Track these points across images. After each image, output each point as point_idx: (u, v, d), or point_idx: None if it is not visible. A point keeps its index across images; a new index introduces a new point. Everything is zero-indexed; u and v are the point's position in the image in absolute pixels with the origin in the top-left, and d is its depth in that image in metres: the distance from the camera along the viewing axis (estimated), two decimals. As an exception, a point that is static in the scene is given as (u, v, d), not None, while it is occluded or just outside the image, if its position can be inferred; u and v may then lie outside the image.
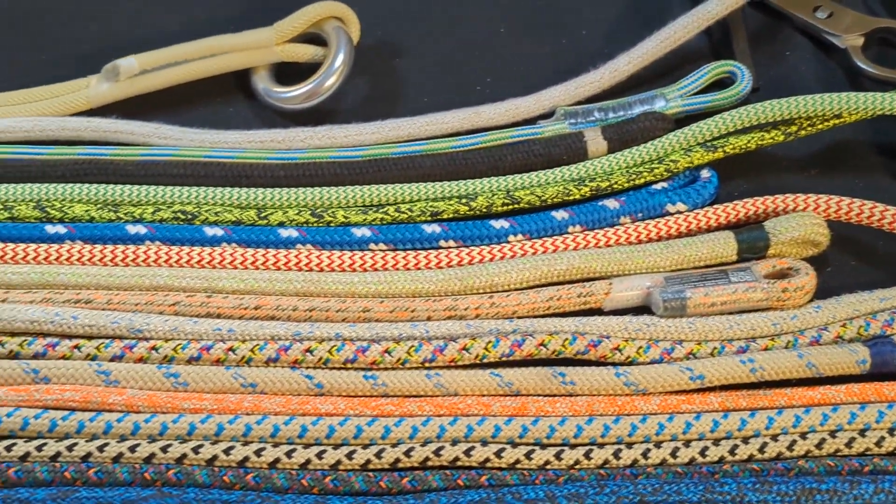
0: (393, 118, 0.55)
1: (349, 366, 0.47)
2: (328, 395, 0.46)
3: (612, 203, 0.52)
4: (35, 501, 0.43)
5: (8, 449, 0.44)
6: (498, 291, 0.49)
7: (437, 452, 0.45)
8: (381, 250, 0.51)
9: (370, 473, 0.44)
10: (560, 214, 0.51)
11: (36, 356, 0.47)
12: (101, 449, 0.44)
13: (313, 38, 0.57)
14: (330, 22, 0.56)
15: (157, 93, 0.55)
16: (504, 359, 0.47)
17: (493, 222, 0.51)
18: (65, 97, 0.54)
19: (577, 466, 0.45)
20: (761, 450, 0.44)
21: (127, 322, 0.47)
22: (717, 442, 0.45)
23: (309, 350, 0.47)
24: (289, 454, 0.44)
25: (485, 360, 0.47)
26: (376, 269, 0.50)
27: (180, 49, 0.54)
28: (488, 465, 0.45)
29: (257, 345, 0.47)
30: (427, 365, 0.47)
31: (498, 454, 0.45)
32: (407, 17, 0.60)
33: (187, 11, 0.60)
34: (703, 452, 0.45)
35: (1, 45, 0.59)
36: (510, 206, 0.52)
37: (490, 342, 0.47)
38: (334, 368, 0.47)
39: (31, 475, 0.44)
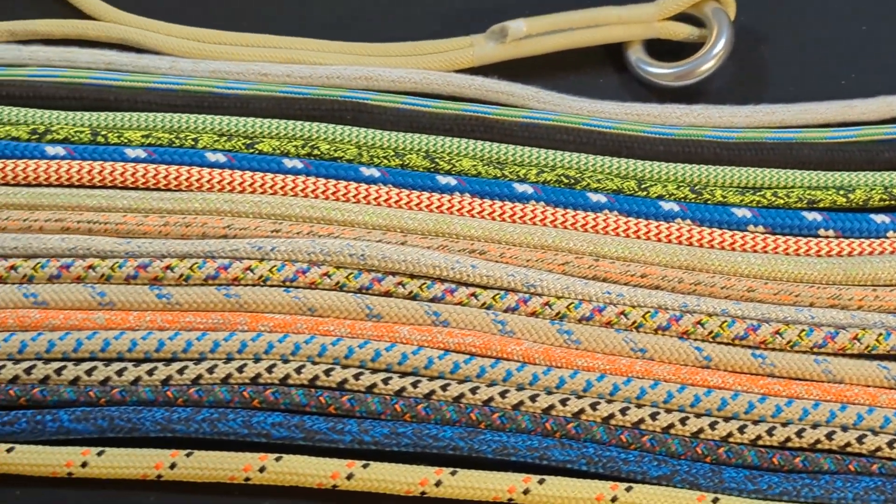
0: (763, 104, 0.56)
1: (738, 342, 0.48)
2: (715, 368, 0.48)
3: None
4: (444, 438, 0.45)
5: (414, 385, 0.46)
6: (881, 286, 0.50)
7: (828, 436, 0.45)
8: (759, 233, 0.51)
9: (761, 449, 0.46)
10: (941, 215, 0.52)
11: (434, 300, 0.49)
12: (502, 395, 0.46)
13: (685, 16, 0.57)
14: (710, 4, 0.56)
15: (531, 57, 0.57)
16: (893, 352, 0.48)
17: (873, 216, 0.51)
18: (449, 53, 0.56)
19: (967, 465, 0.46)
20: None
21: (522, 276, 0.49)
22: None
23: (700, 323, 0.48)
24: (682, 421, 0.46)
25: (873, 352, 0.48)
26: (756, 251, 0.51)
27: (565, 17, 0.56)
28: (879, 454, 0.45)
29: (648, 312, 0.48)
30: (816, 350, 0.48)
31: (890, 444, 0.45)
32: (773, 5, 0.60)
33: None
34: None
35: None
36: (887, 202, 0.52)
37: (881, 334, 0.48)
38: (722, 343, 0.48)
39: (439, 413, 0.46)
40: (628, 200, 0.52)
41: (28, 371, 0.46)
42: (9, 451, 0.44)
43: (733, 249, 0.51)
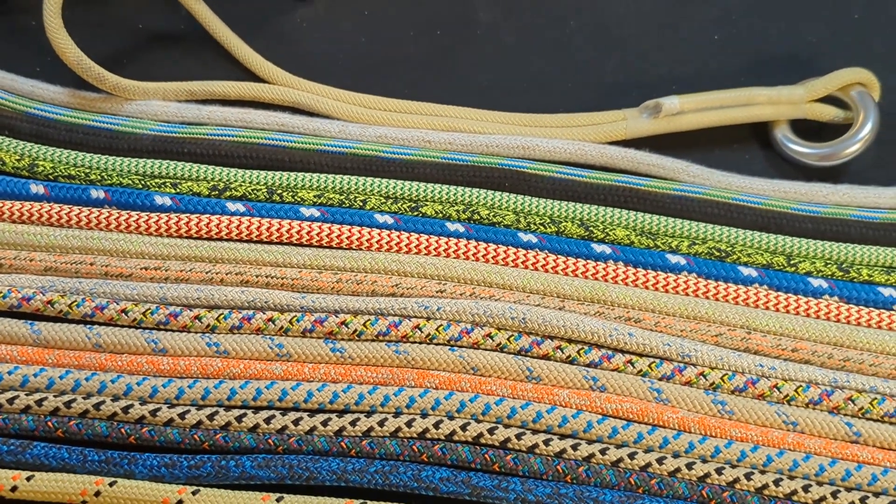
0: (902, 186, 0.58)
1: (887, 420, 0.50)
2: (864, 444, 0.49)
3: None
4: (605, 501, 0.47)
5: (574, 448, 0.48)
6: None
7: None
8: (906, 312, 0.53)
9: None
10: None
11: (591, 365, 0.51)
12: (659, 461, 0.48)
13: (831, 98, 0.60)
14: (856, 87, 0.58)
15: (679, 132, 0.59)
16: None
17: None
18: (603, 126, 0.59)
19: None
20: None
21: (678, 346, 0.51)
22: None
23: (850, 399, 0.50)
24: (834, 495, 0.47)
25: None
26: (903, 331, 0.53)
27: (717, 96, 0.58)
28: None
29: (800, 386, 0.50)
30: (966, 431, 0.50)
31: None
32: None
33: (700, 59, 0.63)
34: None
35: (533, 70, 0.63)
36: None
37: None
38: (871, 420, 0.50)
39: (599, 476, 0.48)
40: (778, 276, 0.54)
41: (211, 417, 0.49)
42: (194, 493, 0.47)
43: (880, 328, 0.53)
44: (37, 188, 0.55)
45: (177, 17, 0.62)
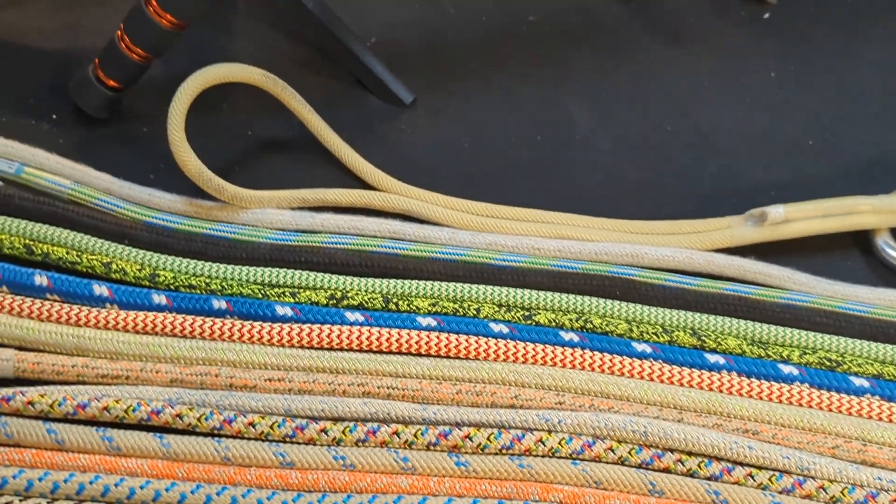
0: None
1: None
2: None
3: None
4: None
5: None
6: None
7: None
8: None
9: None
10: None
11: (711, 478, 0.51)
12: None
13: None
14: (956, 196, 0.60)
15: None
16: None
17: None
18: (709, 234, 0.60)
19: None
20: None
21: (797, 459, 0.52)
22: None
23: (970, 515, 0.50)
24: None
25: None
26: None
27: (821, 205, 0.60)
28: None
29: (916, 501, 0.51)
30: None
31: None
32: None
33: (796, 166, 0.65)
34: None
35: (631, 175, 0.65)
36: None
37: None
38: None
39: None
40: (890, 386, 0.55)
41: (341, 531, 0.50)
42: None
43: None
44: (159, 298, 0.56)
45: (287, 124, 0.64)
